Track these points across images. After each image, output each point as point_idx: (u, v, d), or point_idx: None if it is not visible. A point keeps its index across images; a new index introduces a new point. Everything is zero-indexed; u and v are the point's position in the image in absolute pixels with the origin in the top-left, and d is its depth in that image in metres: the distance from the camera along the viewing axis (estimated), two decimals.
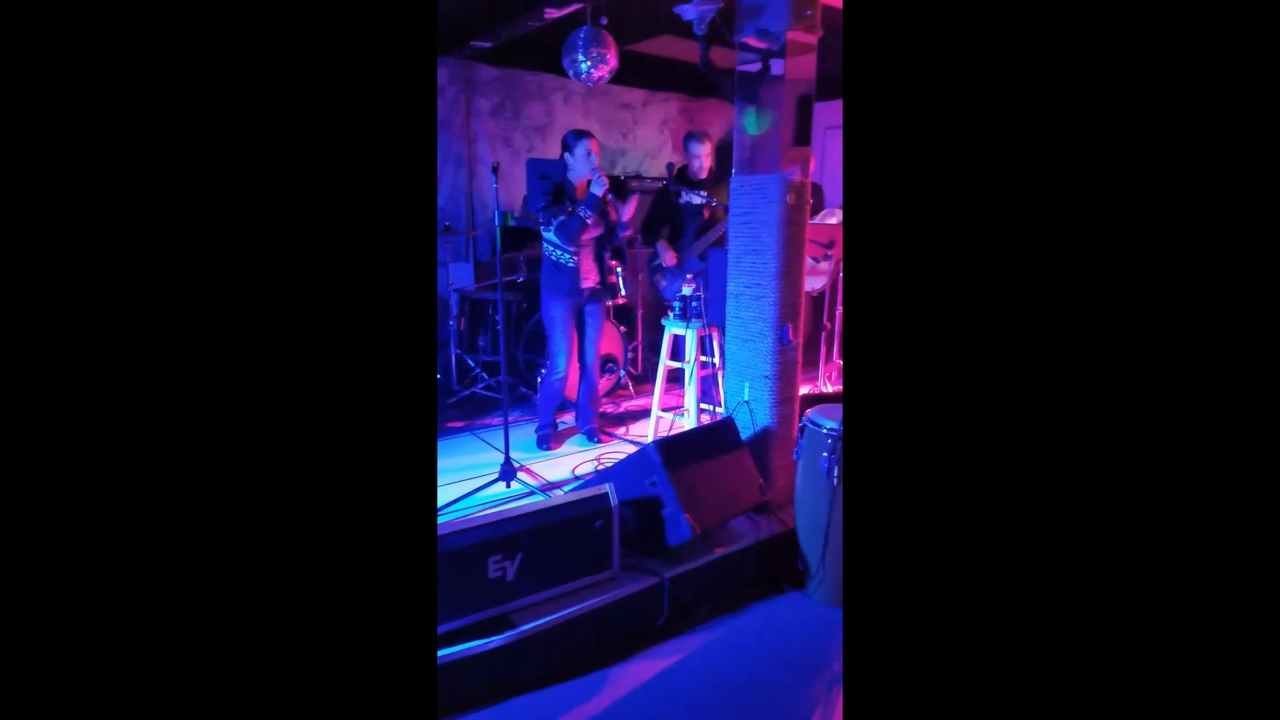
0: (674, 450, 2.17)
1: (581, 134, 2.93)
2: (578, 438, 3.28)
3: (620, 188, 3.05)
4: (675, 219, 3.49)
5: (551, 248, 2.98)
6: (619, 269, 3.73)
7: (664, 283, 3.49)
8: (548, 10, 3.35)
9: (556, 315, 3.01)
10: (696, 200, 3.34)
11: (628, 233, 3.15)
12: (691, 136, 3.42)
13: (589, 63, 3.06)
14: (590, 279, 3.05)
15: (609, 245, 3.12)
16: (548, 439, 3.17)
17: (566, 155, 2.93)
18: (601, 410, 3.74)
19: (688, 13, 2.24)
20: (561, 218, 2.88)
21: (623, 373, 3.97)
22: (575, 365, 3.12)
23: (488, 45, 4.17)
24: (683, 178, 3.48)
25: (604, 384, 3.86)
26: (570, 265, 2.97)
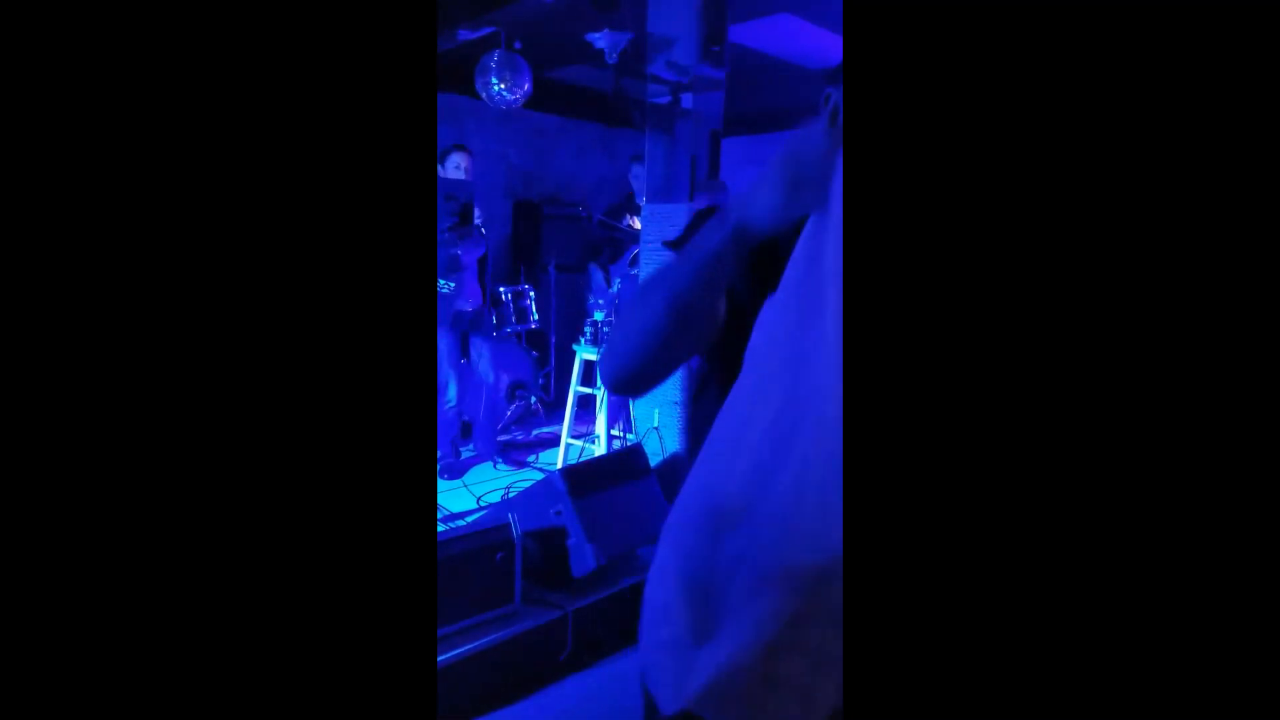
0: (580, 478, 2.13)
1: (454, 146, 2.87)
2: (483, 466, 3.17)
3: (465, 215, 2.89)
4: (614, 248, 3.48)
5: None
6: (531, 293, 3.69)
7: (592, 300, 3.47)
8: (461, 31, 3.32)
9: (440, 342, 2.90)
10: (640, 226, 3.35)
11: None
12: (636, 159, 3.42)
13: (502, 86, 3.04)
14: (472, 301, 2.97)
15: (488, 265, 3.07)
16: (451, 468, 3.05)
17: (440, 168, 2.85)
18: (512, 438, 3.65)
19: (599, 41, 2.27)
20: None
21: (534, 399, 3.89)
22: (474, 391, 3.04)
23: (450, 46, 4.08)
24: (628, 204, 3.48)
25: (514, 410, 3.77)
26: (446, 293, 2.87)
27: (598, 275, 3.44)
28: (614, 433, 3.09)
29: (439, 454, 3.06)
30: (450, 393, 2.93)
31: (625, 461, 2.33)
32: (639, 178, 3.41)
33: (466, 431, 3.24)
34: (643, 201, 3.43)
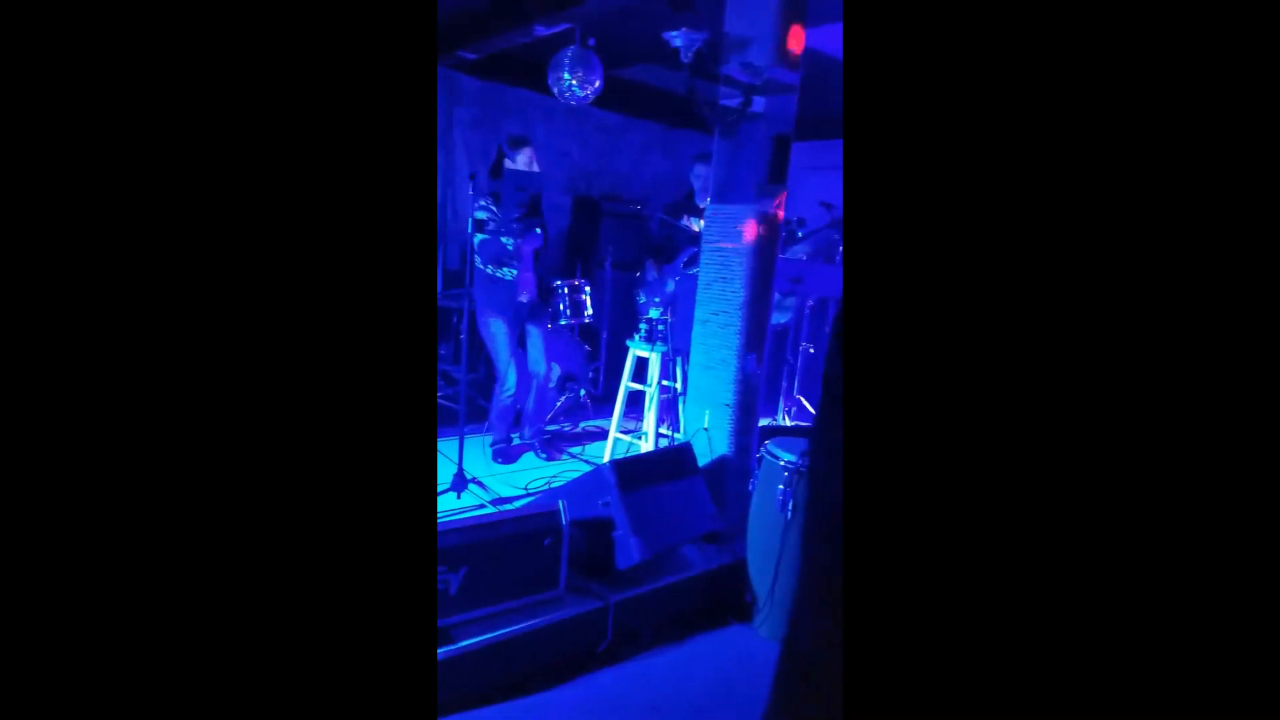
0: (629, 472, 2.15)
1: (524, 140, 2.93)
2: (531, 454, 3.22)
3: (534, 207, 2.93)
4: (670, 246, 3.49)
5: (482, 259, 2.92)
6: (587, 287, 3.73)
7: (642, 298, 3.49)
8: (537, 27, 3.38)
9: (498, 332, 2.96)
10: (697, 227, 3.35)
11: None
12: (699, 158, 3.43)
13: (574, 82, 3.09)
14: (528, 293, 3.02)
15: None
16: (502, 453, 3.11)
17: (506, 160, 2.91)
18: (559, 428, 3.70)
19: (675, 39, 2.28)
20: (485, 237, 2.81)
21: (583, 392, 3.93)
22: (525, 380, 3.09)
23: (473, 57, 4.18)
24: (687, 204, 3.49)
25: (563, 402, 3.82)
26: (508, 279, 2.93)
27: (653, 273, 3.45)
28: (662, 431, 3.10)
29: (495, 438, 3.13)
30: (510, 380, 2.99)
31: (674, 459, 2.34)
32: (700, 177, 3.41)
33: (518, 419, 3.30)
34: (703, 202, 3.44)
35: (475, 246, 2.80)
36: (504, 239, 2.87)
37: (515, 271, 2.91)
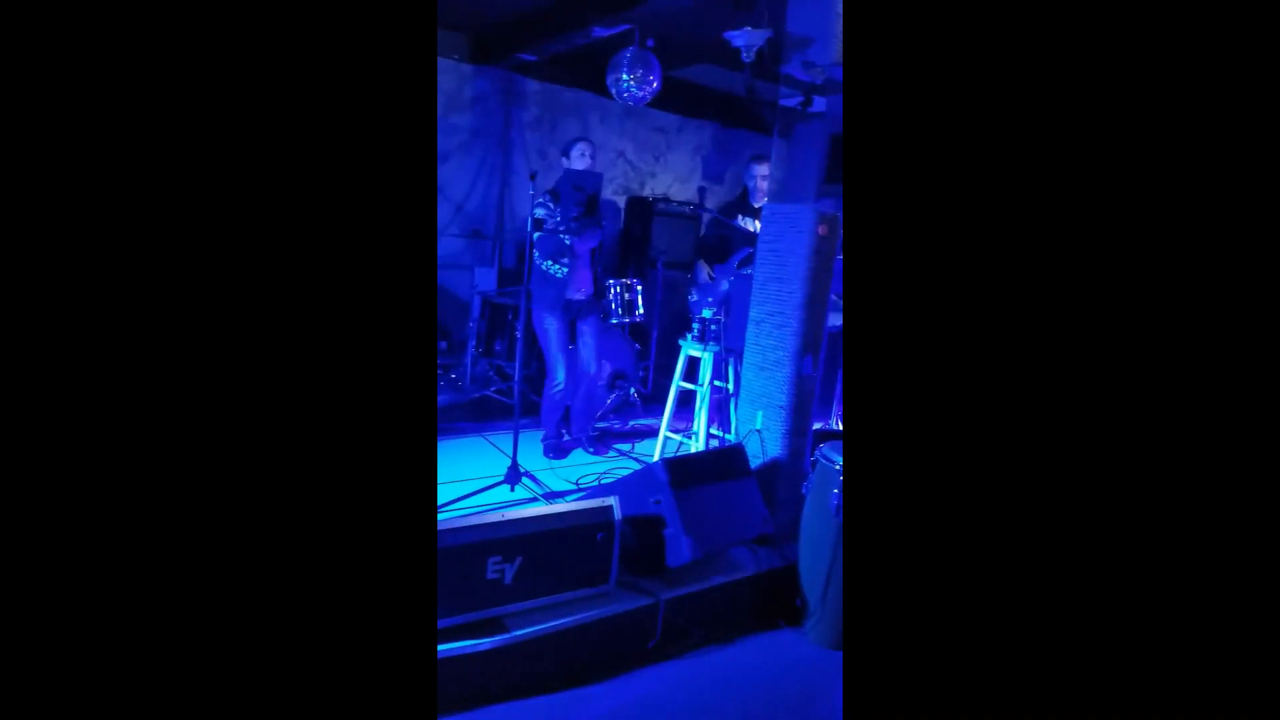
0: (681, 471, 2.15)
1: (578, 138, 2.99)
2: (580, 450, 3.26)
3: (591, 205, 2.94)
4: (723, 247, 3.47)
5: (540, 256, 2.97)
6: (639, 286, 3.75)
7: (694, 297, 3.49)
8: (596, 29, 3.42)
9: (549, 328, 3.00)
10: (752, 227, 3.33)
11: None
12: (756, 159, 3.41)
13: (632, 82, 3.11)
14: (583, 290, 3.05)
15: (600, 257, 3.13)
16: (553, 448, 3.15)
17: (562, 159, 2.95)
18: (609, 426, 3.73)
19: (737, 39, 2.27)
20: (543, 234, 2.85)
21: (633, 390, 3.96)
22: (576, 376, 3.13)
23: (532, 59, 4.25)
24: (741, 203, 3.47)
25: (613, 399, 3.85)
26: (559, 276, 2.96)
27: (705, 273, 3.44)
28: (713, 431, 3.09)
29: (546, 433, 3.18)
30: (559, 375, 3.04)
31: (727, 460, 2.33)
32: (756, 177, 3.38)
33: (567, 415, 3.34)
34: (759, 201, 3.41)
35: (534, 242, 2.86)
36: (562, 235, 2.91)
37: (566, 269, 2.95)
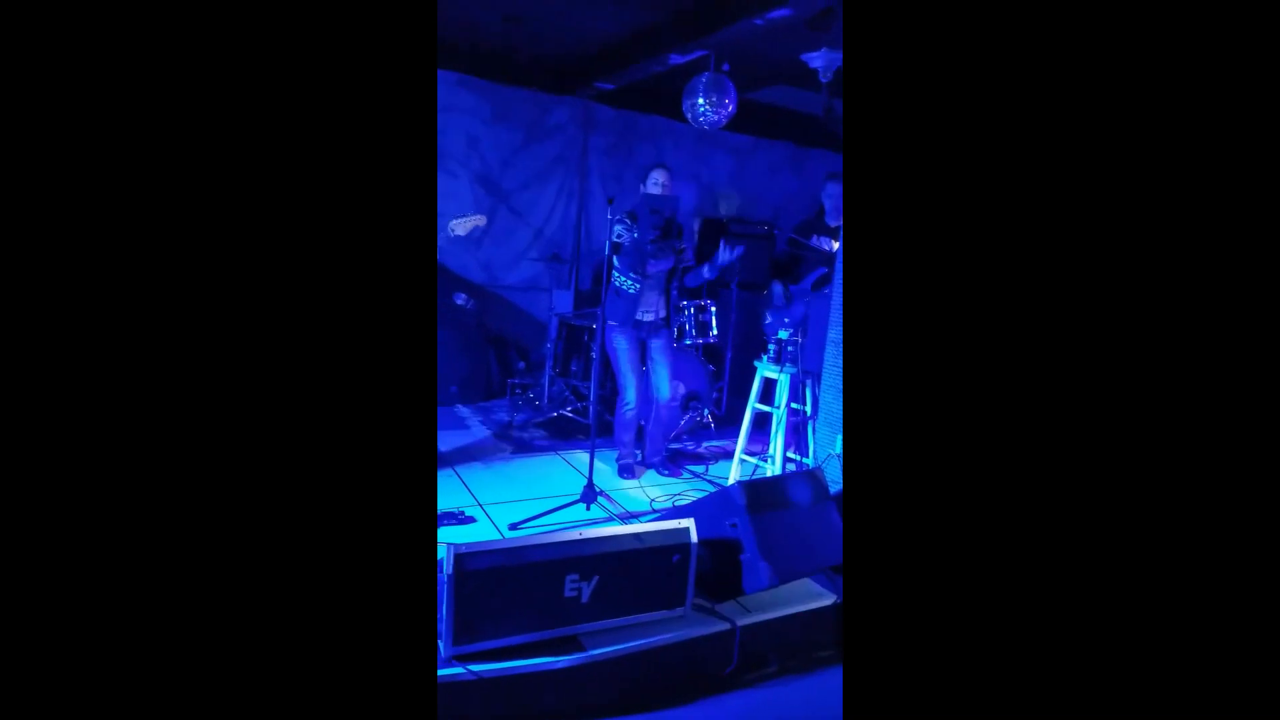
0: (759, 494, 2.12)
1: (655, 164, 3.04)
2: (654, 471, 3.27)
3: (668, 229, 2.98)
4: (799, 266, 3.44)
5: (616, 272, 3.01)
6: (713, 307, 3.75)
7: (769, 319, 3.46)
8: (673, 56, 3.49)
9: (620, 346, 3.05)
10: (827, 247, 3.28)
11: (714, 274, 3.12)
12: (832, 177, 3.38)
13: (708, 107, 3.14)
14: (652, 311, 3.06)
15: (675, 280, 3.14)
16: (629, 468, 3.18)
17: (641, 185, 3.00)
18: (682, 447, 3.72)
19: (815, 60, 2.27)
20: (621, 255, 2.92)
21: (706, 411, 3.94)
22: (646, 397, 3.14)
23: (610, 87, 4.37)
24: (817, 222, 3.44)
25: (687, 420, 3.84)
26: (631, 293, 2.99)
27: (780, 293, 3.40)
28: (789, 455, 3.03)
29: (619, 453, 3.21)
30: (629, 395, 3.07)
31: (805, 484, 2.28)
32: (832, 196, 3.33)
33: (640, 435, 3.36)
34: (835, 221, 3.35)
35: (614, 263, 2.93)
36: (639, 257, 2.97)
37: (638, 285, 2.99)
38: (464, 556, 1.62)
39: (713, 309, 3.70)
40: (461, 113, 4.27)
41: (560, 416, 3.95)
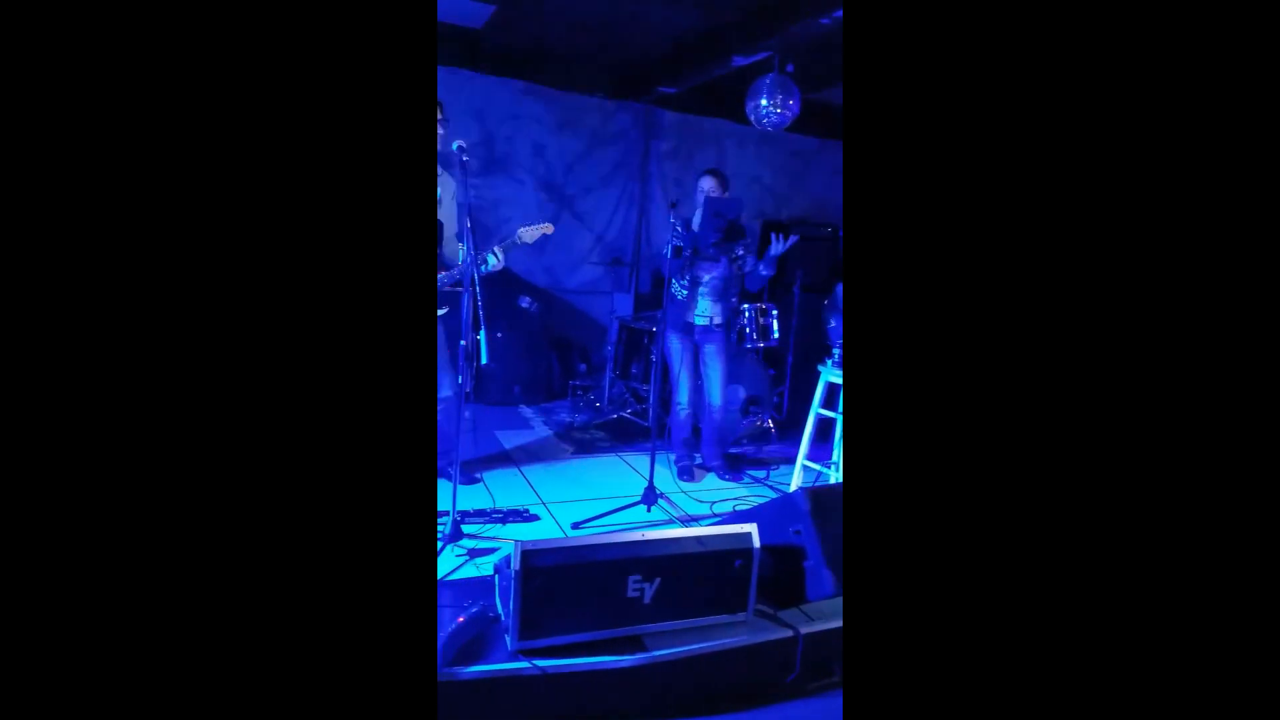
0: (823, 502, 2.09)
1: (706, 171, 3.05)
2: (713, 475, 3.26)
3: (730, 233, 2.96)
4: None
5: (673, 277, 3.03)
6: (774, 311, 3.71)
7: (833, 322, 3.40)
8: (736, 58, 3.48)
9: (672, 347, 3.07)
10: None
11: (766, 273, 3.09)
12: None
13: (772, 108, 3.12)
14: (704, 315, 3.05)
15: (737, 286, 3.12)
16: (687, 470, 3.18)
17: (698, 191, 3.01)
18: (742, 452, 3.69)
19: None
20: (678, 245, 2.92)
21: (767, 416, 3.90)
22: (700, 401, 3.14)
23: (672, 91, 4.39)
24: None
25: (746, 425, 3.81)
26: (679, 298, 3.00)
27: (842, 296, 3.34)
28: None
29: (676, 455, 3.21)
30: (680, 397, 3.08)
31: None
32: None
33: (697, 438, 3.36)
34: None
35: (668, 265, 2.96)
36: (691, 260, 2.99)
37: (685, 291, 3.01)
38: (531, 553, 1.67)
39: (774, 312, 3.66)
40: (529, 121, 4.38)
41: (621, 418, 3.99)
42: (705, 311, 3.07)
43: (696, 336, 3.09)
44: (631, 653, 1.75)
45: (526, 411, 4.16)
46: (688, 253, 2.92)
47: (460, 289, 2.27)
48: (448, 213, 2.62)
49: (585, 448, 3.55)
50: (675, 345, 3.07)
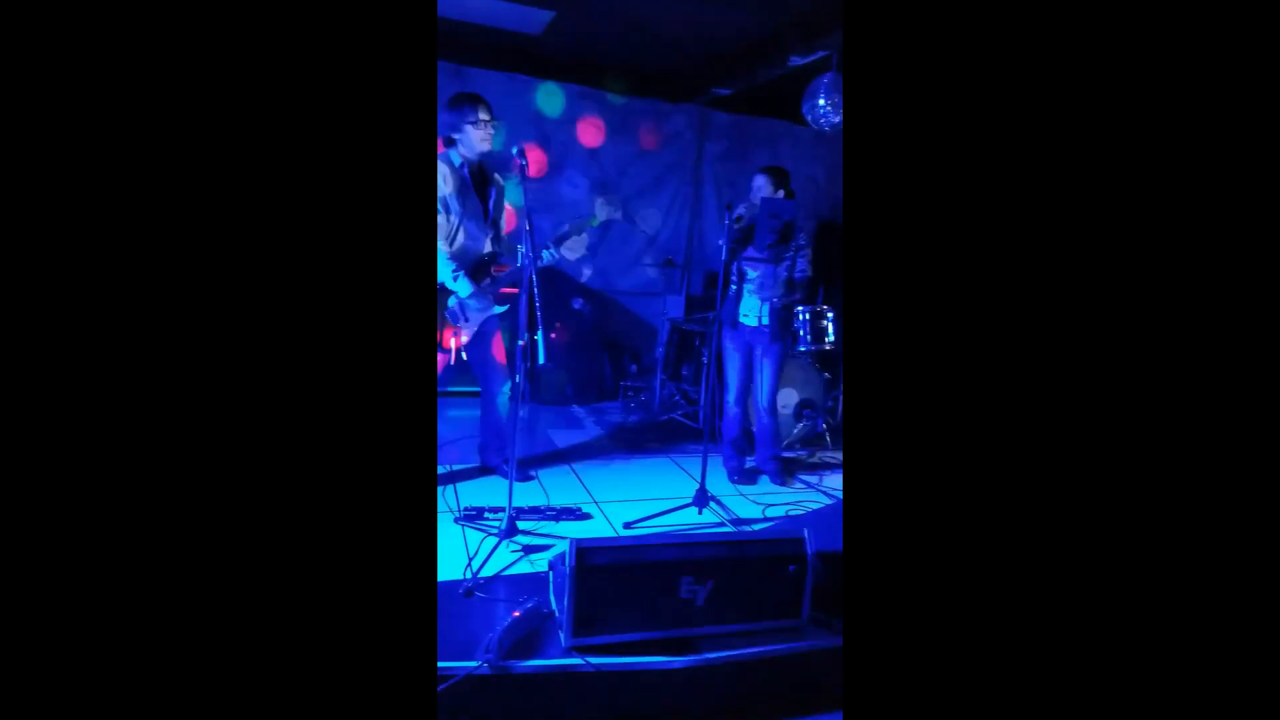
0: None
1: (758, 170, 2.99)
2: (766, 479, 3.22)
3: (785, 234, 2.91)
4: None
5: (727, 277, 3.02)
6: (830, 313, 3.65)
7: None
8: (793, 58, 3.44)
9: (725, 345, 3.07)
10: None
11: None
12: None
13: (829, 107, 3.07)
14: (752, 315, 3.02)
15: (788, 287, 3.07)
16: (736, 471, 3.16)
17: (752, 193, 2.98)
18: (795, 456, 3.64)
19: None
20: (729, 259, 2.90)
21: (821, 421, 3.83)
22: (752, 402, 3.11)
23: (727, 93, 4.38)
24: None
25: (800, 429, 3.76)
26: (730, 294, 3.00)
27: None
28: None
29: (725, 455, 3.20)
30: (730, 397, 3.07)
31: None
32: None
33: (750, 442, 3.33)
34: None
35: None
36: (740, 262, 2.98)
37: (733, 287, 3.00)
38: (585, 551, 1.69)
39: (830, 315, 3.60)
40: (584, 124, 4.44)
41: (672, 420, 3.99)
42: (753, 310, 3.05)
43: (747, 336, 3.07)
44: (685, 654, 1.75)
45: (578, 411, 4.20)
46: (731, 248, 2.91)
47: (518, 290, 2.32)
48: (504, 215, 2.67)
49: (636, 448, 3.57)
50: (727, 344, 3.08)
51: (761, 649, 1.83)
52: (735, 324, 3.04)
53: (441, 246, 2.48)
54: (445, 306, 2.53)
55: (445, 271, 2.48)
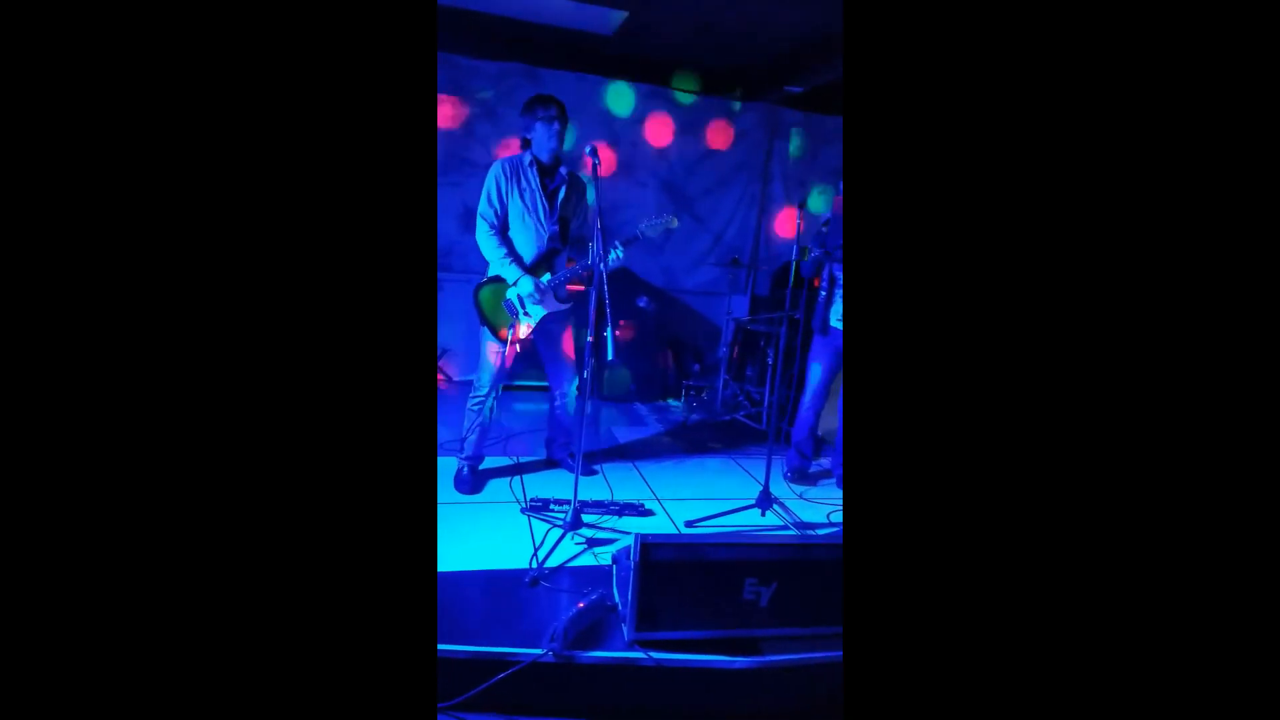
0: None
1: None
2: (829, 482, 3.16)
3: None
4: None
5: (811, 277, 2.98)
6: None
7: None
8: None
9: (813, 349, 3.04)
10: None
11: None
12: None
13: None
14: (838, 316, 2.96)
15: None
16: (796, 471, 3.13)
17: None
18: None
19: None
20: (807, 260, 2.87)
21: None
22: (826, 407, 3.05)
23: (798, 90, 4.31)
24: None
25: None
26: (820, 298, 2.97)
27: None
28: None
29: (789, 456, 3.16)
30: (807, 396, 3.02)
31: None
32: None
33: (818, 445, 3.27)
34: None
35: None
36: (831, 266, 2.92)
37: (824, 290, 2.95)
38: (650, 546, 1.70)
39: None
40: (654, 124, 4.46)
41: (734, 421, 3.97)
42: (839, 313, 3.00)
43: (837, 340, 3.02)
44: (748, 655, 1.75)
45: (641, 408, 4.23)
46: (817, 253, 2.87)
47: (584, 288, 2.36)
48: (578, 214, 2.72)
49: (698, 448, 3.56)
50: (816, 347, 3.06)
51: (826, 654, 1.80)
52: (826, 329, 3.00)
53: (501, 241, 2.57)
54: (504, 299, 2.59)
55: (507, 268, 2.56)
